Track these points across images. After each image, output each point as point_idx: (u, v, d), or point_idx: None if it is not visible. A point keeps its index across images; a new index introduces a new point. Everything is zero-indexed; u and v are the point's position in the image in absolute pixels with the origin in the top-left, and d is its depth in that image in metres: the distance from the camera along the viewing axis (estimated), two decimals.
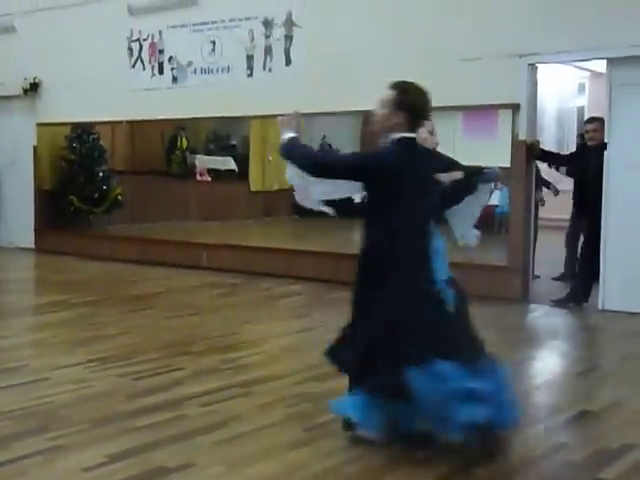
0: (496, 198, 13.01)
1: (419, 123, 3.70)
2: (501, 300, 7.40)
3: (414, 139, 3.67)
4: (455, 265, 8.65)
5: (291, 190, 3.96)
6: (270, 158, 14.28)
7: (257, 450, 3.59)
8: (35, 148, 11.34)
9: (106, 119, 10.70)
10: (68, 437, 3.73)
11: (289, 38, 8.96)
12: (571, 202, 8.06)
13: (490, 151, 8.98)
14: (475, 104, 7.86)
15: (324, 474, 3.35)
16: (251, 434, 3.82)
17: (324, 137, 14.53)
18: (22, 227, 11.43)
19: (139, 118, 10.46)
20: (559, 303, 7.42)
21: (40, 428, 3.85)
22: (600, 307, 7.14)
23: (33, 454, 3.51)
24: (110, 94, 10.20)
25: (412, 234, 3.62)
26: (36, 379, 4.74)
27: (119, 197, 11.53)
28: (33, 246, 11.35)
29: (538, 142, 7.79)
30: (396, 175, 3.55)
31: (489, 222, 13.10)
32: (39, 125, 11.23)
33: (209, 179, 14.58)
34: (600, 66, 8.48)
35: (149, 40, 10.13)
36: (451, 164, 4.07)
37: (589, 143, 7.57)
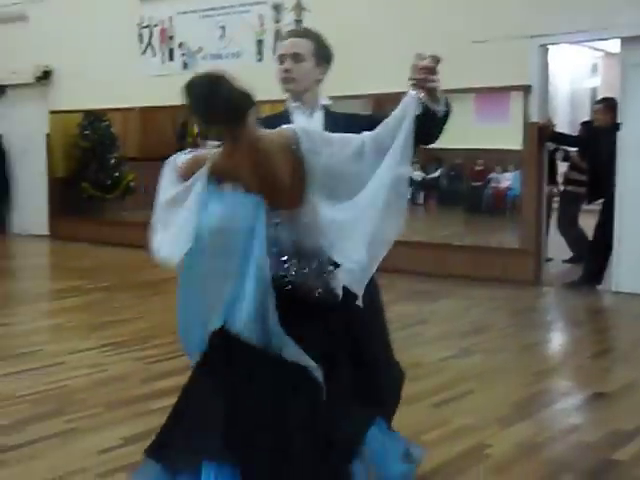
0: (508, 180, 12.97)
1: None
2: (514, 283, 7.39)
3: None
4: (467, 248, 8.63)
5: None
6: None
7: None
8: (48, 136, 11.38)
9: (118, 106, 10.72)
10: (83, 420, 3.78)
11: (299, 22, 8.93)
12: None
13: (503, 134, 8.95)
14: (486, 86, 7.81)
15: None
16: None
17: None
18: (36, 214, 11.50)
19: (150, 105, 10.47)
20: (572, 285, 7.41)
21: (56, 411, 3.90)
22: (613, 289, 7.12)
23: (49, 437, 3.56)
24: (121, 81, 10.21)
25: None
26: (51, 363, 4.80)
27: (131, 184, 11.54)
28: (47, 233, 11.42)
29: (552, 123, 7.77)
30: None
31: (501, 204, 13.07)
32: (52, 113, 11.26)
33: None
34: (613, 46, 8.40)
35: (159, 26, 10.13)
36: None
37: (595, 124, 7.59)
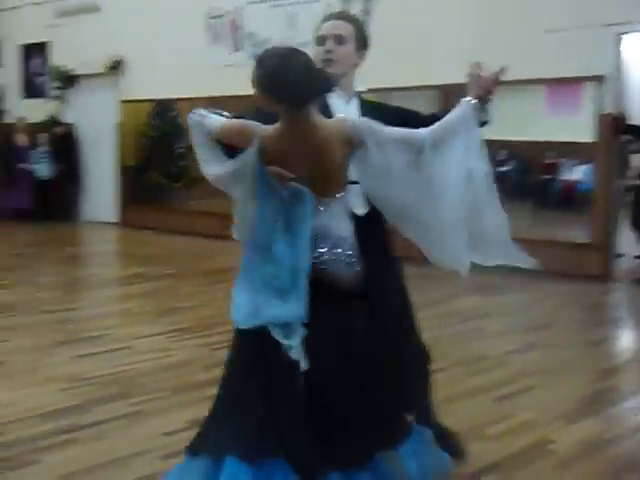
0: (579, 174, 12.66)
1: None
2: (583, 278, 7.24)
3: None
4: (535, 242, 8.47)
5: None
6: None
7: None
8: (118, 125, 11.62)
9: (186, 96, 10.85)
10: (148, 403, 3.85)
11: (367, 12, 8.89)
12: None
13: (574, 126, 8.75)
14: (559, 77, 7.65)
15: None
16: None
17: None
18: (106, 202, 11.77)
19: (218, 95, 10.56)
20: None
21: (123, 394, 3.99)
22: None
23: (115, 418, 3.64)
24: (190, 71, 10.34)
25: None
26: (119, 347, 4.90)
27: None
28: (116, 221, 11.68)
29: (623, 116, 7.57)
30: None
31: (572, 198, 12.79)
32: (122, 102, 11.49)
33: None
34: None
35: (228, 17, 10.22)
36: None
37: None
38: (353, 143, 2.26)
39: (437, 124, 2.31)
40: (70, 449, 3.30)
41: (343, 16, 2.76)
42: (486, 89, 2.35)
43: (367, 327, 2.40)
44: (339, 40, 2.64)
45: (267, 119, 2.33)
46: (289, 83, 2.19)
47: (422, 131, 2.30)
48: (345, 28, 2.66)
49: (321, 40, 2.66)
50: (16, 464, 3.14)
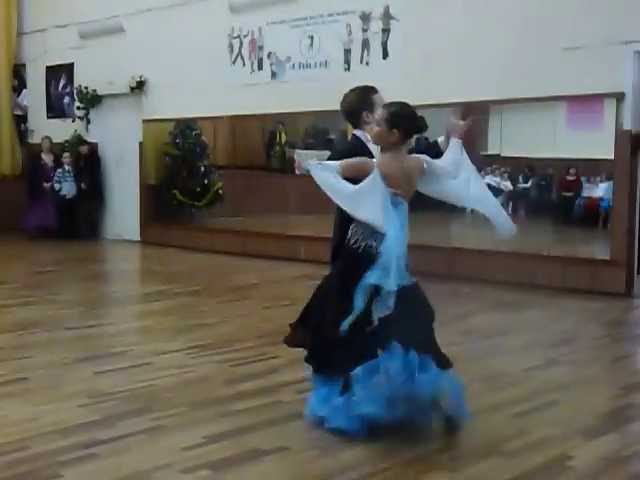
0: (601, 191, 12.59)
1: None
2: (604, 295, 7.21)
3: None
4: (556, 259, 8.44)
5: None
6: None
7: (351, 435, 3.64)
8: (141, 144, 11.75)
9: (208, 115, 10.98)
10: (169, 418, 3.89)
11: (386, 31, 8.96)
12: None
13: (595, 143, 8.73)
14: (577, 94, 7.65)
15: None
16: None
17: None
18: (128, 220, 11.89)
19: (239, 113, 10.68)
20: None
21: (143, 409, 4.03)
22: None
23: (137, 432, 3.69)
24: (211, 90, 10.47)
25: None
26: (140, 363, 4.95)
27: (220, 191, 11.80)
28: (139, 238, 11.79)
29: None
30: None
31: (593, 215, 12.71)
32: (145, 122, 11.63)
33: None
34: None
35: (249, 37, 10.34)
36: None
37: None
38: (423, 171, 3.66)
39: (450, 159, 3.74)
40: (91, 463, 3.34)
41: None
42: (460, 133, 3.76)
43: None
44: None
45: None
46: (404, 122, 3.59)
47: (449, 165, 3.73)
48: None
49: None
50: (38, 478, 3.19)
